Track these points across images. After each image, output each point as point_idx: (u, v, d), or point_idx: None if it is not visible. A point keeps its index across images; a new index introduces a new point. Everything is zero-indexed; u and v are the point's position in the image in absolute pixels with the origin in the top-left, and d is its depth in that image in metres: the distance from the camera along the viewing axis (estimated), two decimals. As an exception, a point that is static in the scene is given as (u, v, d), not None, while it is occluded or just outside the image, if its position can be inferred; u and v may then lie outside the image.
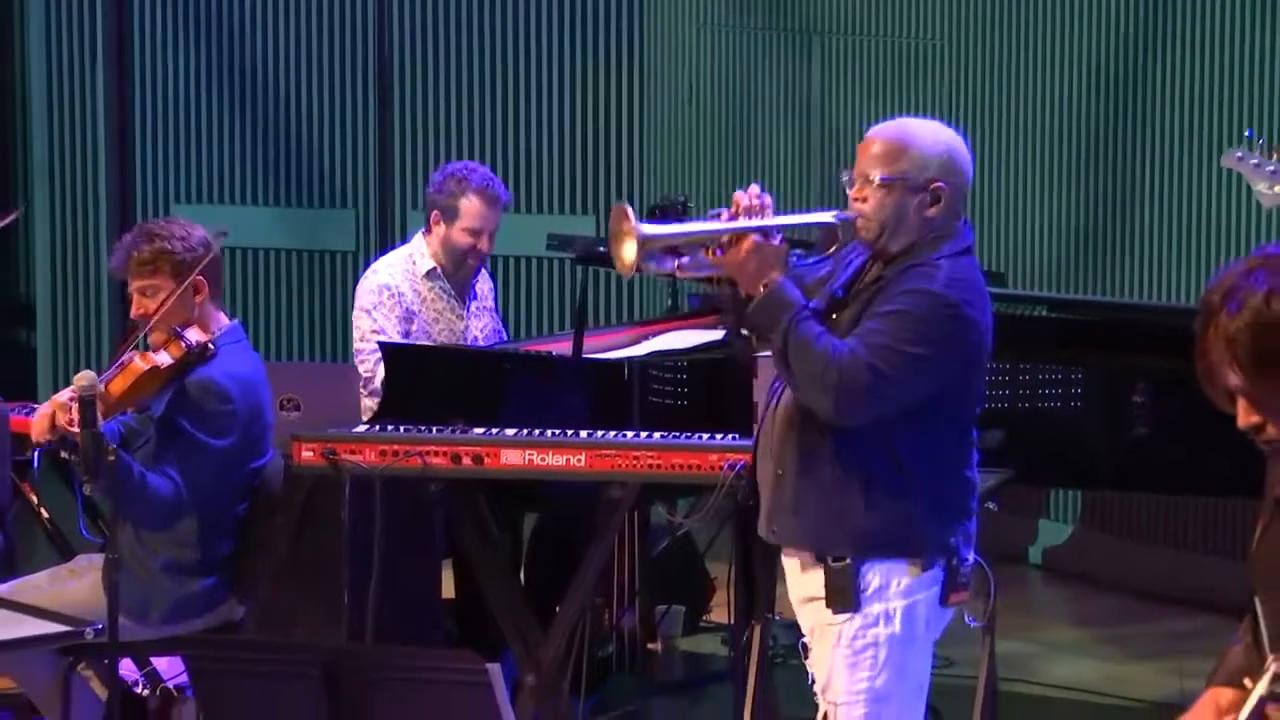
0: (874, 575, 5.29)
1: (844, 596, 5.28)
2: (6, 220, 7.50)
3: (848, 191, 5.33)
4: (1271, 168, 6.26)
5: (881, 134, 5.35)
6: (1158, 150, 9.61)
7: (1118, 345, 7.53)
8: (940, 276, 5.25)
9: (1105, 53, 9.74)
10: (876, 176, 5.27)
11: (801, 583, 5.41)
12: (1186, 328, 7.37)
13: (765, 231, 5.25)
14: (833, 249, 5.46)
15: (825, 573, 5.30)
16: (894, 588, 5.29)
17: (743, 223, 5.25)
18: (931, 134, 5.38)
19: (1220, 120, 9.20)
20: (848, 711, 5.35)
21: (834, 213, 5.38)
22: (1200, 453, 7.01)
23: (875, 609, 5.29)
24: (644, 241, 5.21)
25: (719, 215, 5.30)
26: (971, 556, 5.39)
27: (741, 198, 5.29)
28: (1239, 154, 6.31)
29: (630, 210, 5.25)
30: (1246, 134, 6.34)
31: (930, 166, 5.28)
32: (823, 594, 5.32)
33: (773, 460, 5.37)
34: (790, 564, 5.45)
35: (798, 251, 5.39)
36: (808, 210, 5.48)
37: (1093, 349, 7.40)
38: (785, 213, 5.39)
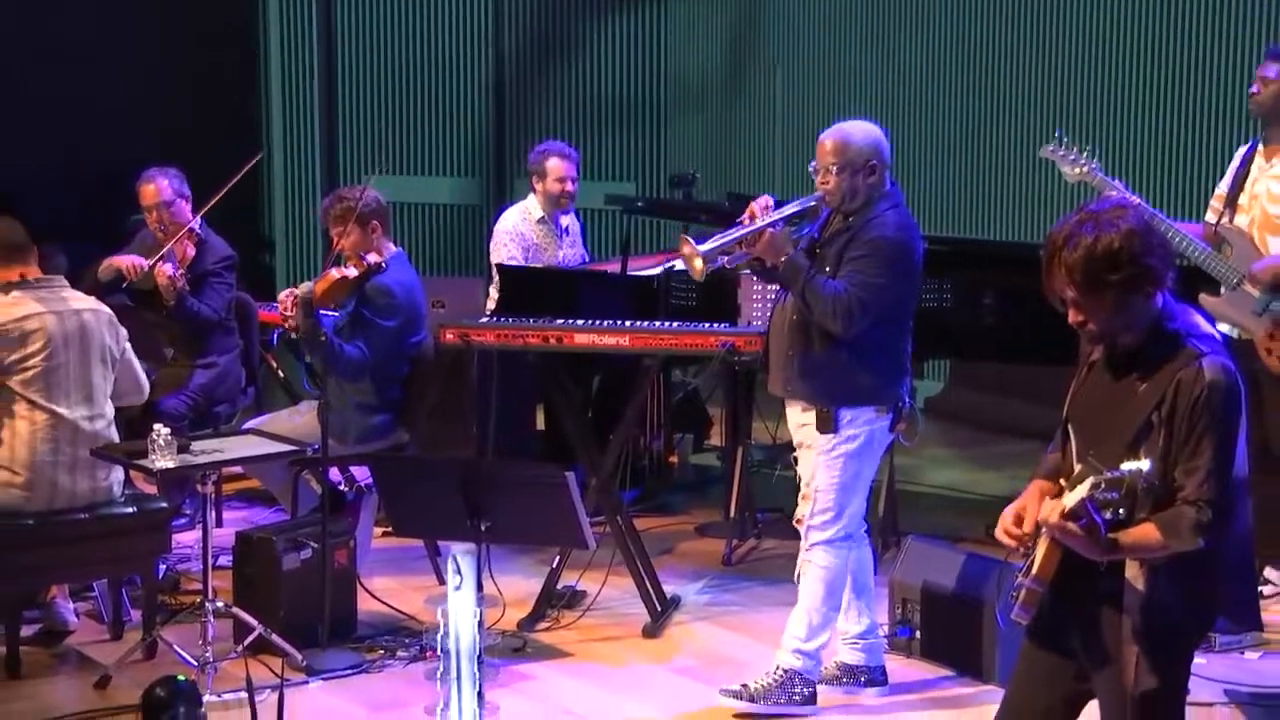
0: (847, 414, 5.37)
1: (827, 425, 5.37)
2: (251, 163, 7.36)
3: (814, 178, 5.37)
4: (1073, 157, 6.18)
5: (831, 136, 5.37)
6: (1006, 137, 9.55)
7: (973, 266, 7.47)
8: (890, 224, 5.30)
9: (982, 70, 9.68)
10: (833, 166, 5.32)
11: (798, 416, 5.48)
12: (1019, 257, 7.38)
13: (774, 225, 5.31)
14: (813, 219, 5.47)
15: (816, 414, 5.39)
16: (859, 421, 5.37)
17: (759, 223, 5.31)
18: (864, 131, 5.38)
19: (1045, 119, 9.14)
20: (824, 495, 5.42)
21: (807, 199, 5.40)
22: (1026, 336, 6.99)
23: (846, 433, 5.37)
24: (704, 256, 5.29)
25: (741, 222, 5.34)
26: (909, 401, 5.46)
27: (755, 207, 5.35)
28: (1051, 147, 6.22)
29: (691, 239, 5.34)
30: (1057, 133, 6.25)
31: (866, 152, 5.32)
32: (813, 422, 5.40)
33: (784, 343, 5.42)
34: (792, 408, 5.51)
35: (791, 228, 5.41)
36: (792, 200, 5.45)
37: (957, 268, 7.33)
38: (782, 204, 5.41)
